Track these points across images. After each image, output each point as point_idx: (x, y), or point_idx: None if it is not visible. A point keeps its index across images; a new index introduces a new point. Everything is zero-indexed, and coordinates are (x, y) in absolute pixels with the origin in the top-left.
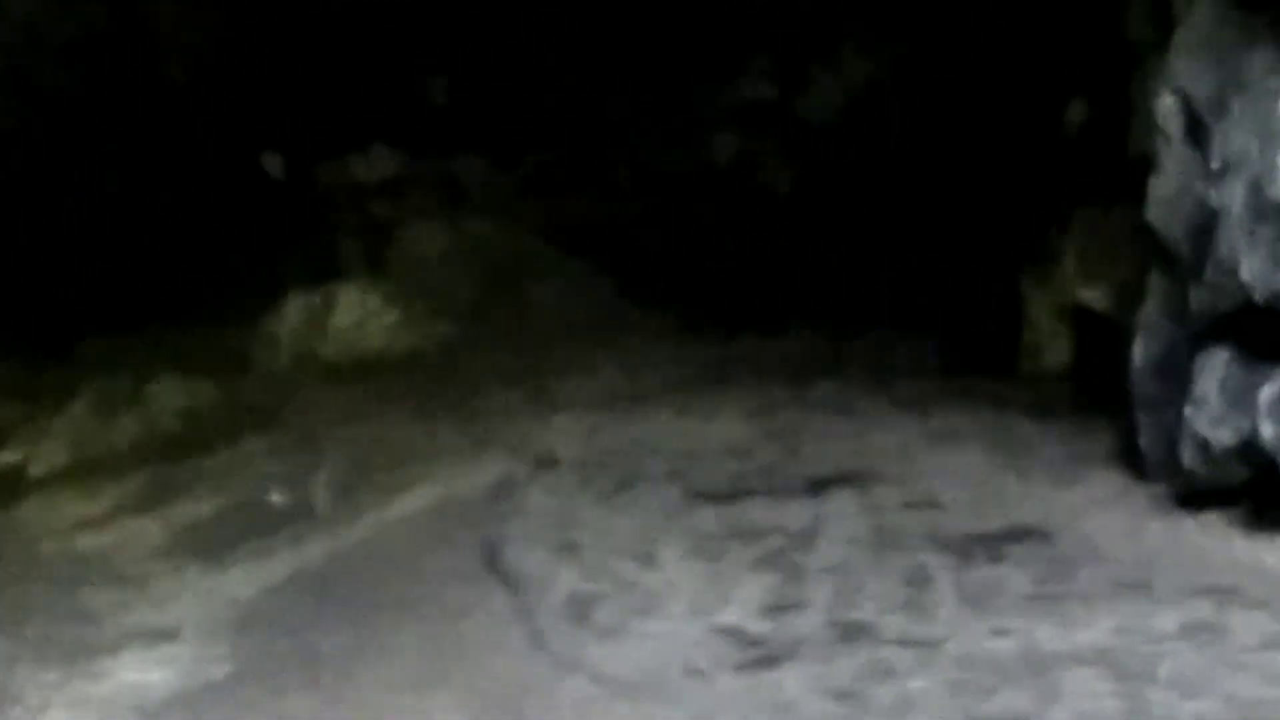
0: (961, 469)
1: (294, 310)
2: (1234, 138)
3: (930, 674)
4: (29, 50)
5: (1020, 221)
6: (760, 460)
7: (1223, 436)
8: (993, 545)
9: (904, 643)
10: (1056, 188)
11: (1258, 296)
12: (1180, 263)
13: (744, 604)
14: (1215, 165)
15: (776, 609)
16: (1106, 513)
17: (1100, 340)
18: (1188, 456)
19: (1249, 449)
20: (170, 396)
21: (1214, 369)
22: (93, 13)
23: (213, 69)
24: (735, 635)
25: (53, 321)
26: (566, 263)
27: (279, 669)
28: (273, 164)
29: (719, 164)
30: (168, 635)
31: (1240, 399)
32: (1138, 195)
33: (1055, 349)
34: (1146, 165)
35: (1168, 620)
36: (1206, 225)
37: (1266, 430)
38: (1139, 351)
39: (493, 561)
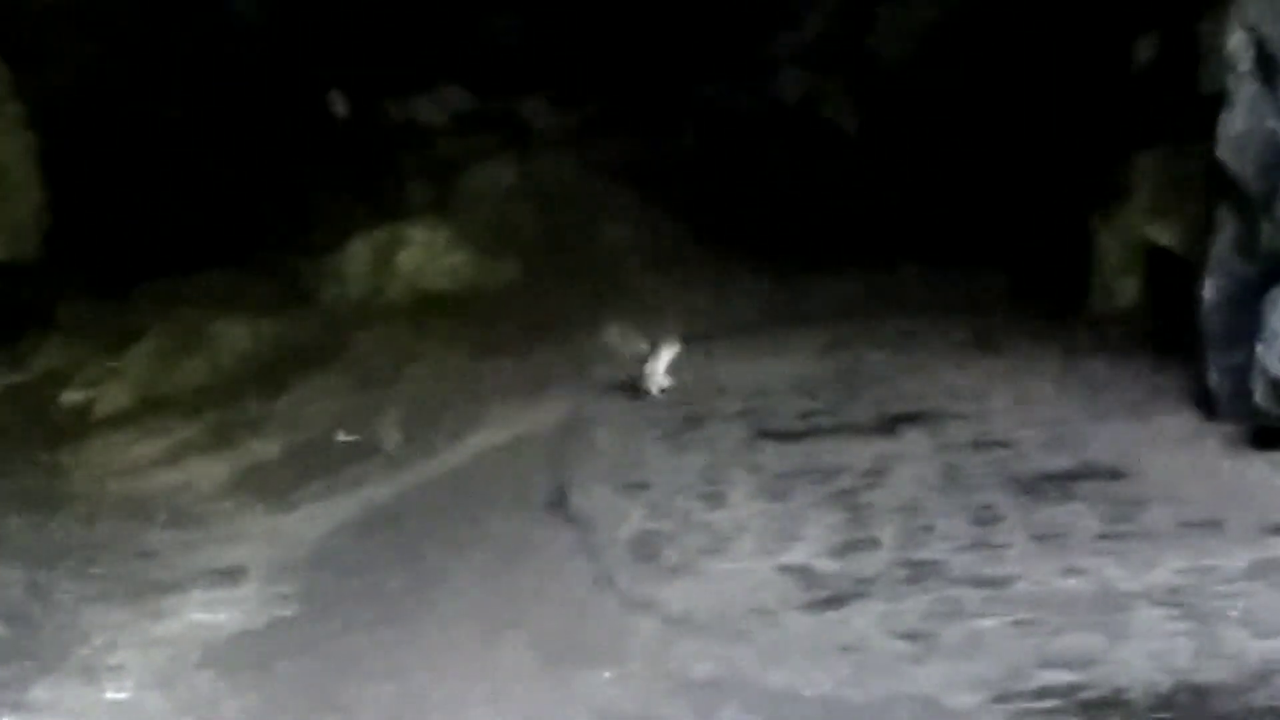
0: (1031, 407)
1: (360, 249)
2: None
3: (999, 613)
4: None
5: (1089, 159)
6: (829, 398)
7: None
8: (1063, 484)
9: (973, 582)
10: (1126, 125)
11: None
12: (1251, 200)
13: (812, 543)
14: None
15: (845, 548)
16: (1177, 451)
17: (1170, 278)
18: (1258, 394)
19: None
20: (235, 336)
21: None
22: None
23: (283, 5)
24: (803, 574)
25: (117, 261)
26: (633, 201)
27: (345, 608)
28: (339, 102)
29: (786, 103)
30: (234, 575)
31: None
32: (1208, 133)
33: (1125, 287)
34: (1217, 103)
35: (1238, 559)
36: (1277, 162)
37: None
38: (1209, 289)
39: (560, 500)
